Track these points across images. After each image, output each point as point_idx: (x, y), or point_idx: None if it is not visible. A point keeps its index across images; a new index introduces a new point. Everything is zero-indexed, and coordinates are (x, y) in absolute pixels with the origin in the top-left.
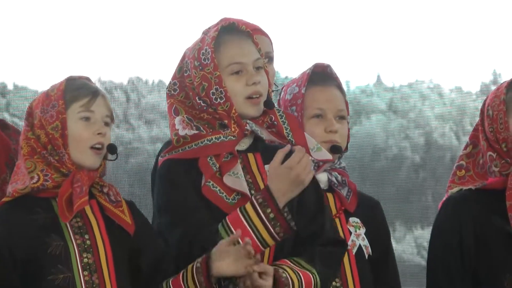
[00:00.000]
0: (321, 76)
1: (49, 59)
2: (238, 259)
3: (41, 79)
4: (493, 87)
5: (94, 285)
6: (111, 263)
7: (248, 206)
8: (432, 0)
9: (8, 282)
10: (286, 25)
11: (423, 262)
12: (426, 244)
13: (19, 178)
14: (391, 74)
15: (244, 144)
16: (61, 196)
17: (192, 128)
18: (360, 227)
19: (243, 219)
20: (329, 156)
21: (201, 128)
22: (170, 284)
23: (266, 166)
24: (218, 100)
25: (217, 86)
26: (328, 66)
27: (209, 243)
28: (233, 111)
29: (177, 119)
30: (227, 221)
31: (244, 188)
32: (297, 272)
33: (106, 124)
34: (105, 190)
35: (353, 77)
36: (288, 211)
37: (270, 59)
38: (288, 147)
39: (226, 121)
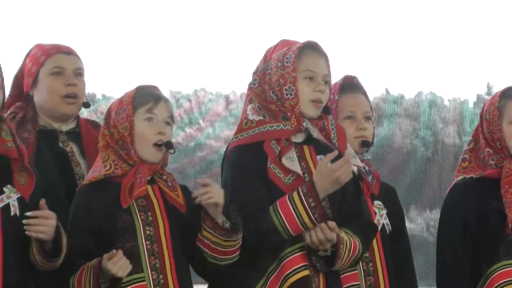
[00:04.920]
0: (350, 85)
1: (132, 75)
2: None
3: (124, 90)
4: (487, 97)
5: (154, 253)
6: (168, 235)
7: (295, 194)
8: (434, 27)
9: (86, 247)
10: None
11: (431, 238)
12: (433, 223)
13: (97, 167)
14: (406, 85)
15: (299, 138)
16: (125, 185)
17: (259, 115)
18: (382, 208)
19: (289, 204)
20: (360, 164)
21: (267, 117)
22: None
23: (318, 156)
24: (288, 95)
25: (291, 84)
26: (355, 77)
27: (262, 222)
28: (297, 107)
29: (250, 106)
30: (277, 204)
31: (298, 169)
32: (349, 236)
33: (167, 123)
34: (164, 177)
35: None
36: (327, 202)
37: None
38: (336, 152)
39: (289, 114)
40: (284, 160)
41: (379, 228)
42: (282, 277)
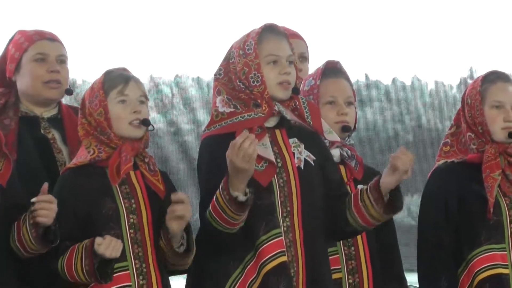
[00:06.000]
0: (332, 70)
1: (113, 61)
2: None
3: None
4: (470, 81)
5: (137, 241)
6: (151, 223)
7: (217, 192)
8: (416, 11)
9: (71, 231)
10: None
11: (412, 222)
12: (413, 208)
13: (81, 154)
14: (386, 70)
15: (272, 122)
16: (111, 165)
17: (230, 106)
18: None
19: (216, 203)
20: (337, 138)
21: (238, 107)
22: (210, 206)
23: (291, 140)
24: (255, 83)
25: (256, 72)
26: (338, 62)
27: (206, 223)
28: (266, 93)
29: (218, 98)
30: (210, 207)
31: (271, 156)
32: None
33: (141, 102)
34: (146, 160)
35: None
36: (250, 191)
37: (304, 59)
38: (244, 133)
39: (259, 101)
40: (257, 148)
41: None
42: (259, 265)
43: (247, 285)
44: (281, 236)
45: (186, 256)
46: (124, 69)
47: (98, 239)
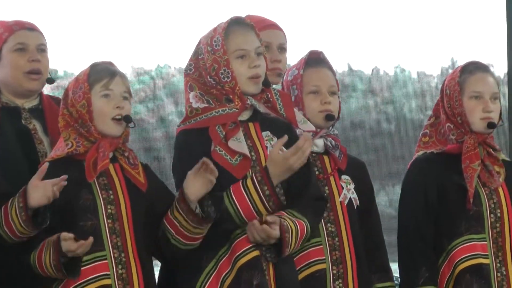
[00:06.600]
0: (315, 60)
1: (94, 51)
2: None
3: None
4: (451, 71)
5: (116, 231)
6: (130, 213)
7: (249, 182)
8: (399, 2)
9: (50, 224)
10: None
11: (393, 212)
12: (395, 198)
13: (59, 146)
14: (367, 60)
15: (245, 115)
16: (88, 160)
17: (203, 102)
18: (350, 183)
19: (244, 192)
20: (312, 128)
21: (211, 102)
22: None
23: (264, 133)
24: (226, 79)
25: (225, 68)
26: (321, 52)
27: (214, 207)
28: (237, 88)
29: (191, 94)
30: (231, 191)
31: (245, 150)
32: (294, 220)
33: (125, 98)
34: (126, 154)
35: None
36: (280, 188)
37: (283, 49)
38: (285, 138)
39: (231, 96)
40: (230, 143)
41: (346, 202)
42: (233, 259)
43: (220, 280)
44: None
45: (206, 221)
46: (110, 63)
47: (63, 234)
